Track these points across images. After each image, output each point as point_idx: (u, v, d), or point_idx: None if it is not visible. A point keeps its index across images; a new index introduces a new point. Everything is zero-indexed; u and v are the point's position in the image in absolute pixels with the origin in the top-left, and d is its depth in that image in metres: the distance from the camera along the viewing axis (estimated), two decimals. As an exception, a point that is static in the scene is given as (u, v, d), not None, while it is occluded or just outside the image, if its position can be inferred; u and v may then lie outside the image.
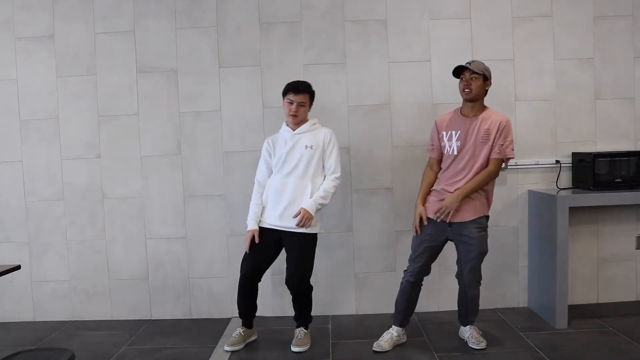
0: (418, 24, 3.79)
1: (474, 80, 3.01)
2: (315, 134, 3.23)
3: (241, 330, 3.33)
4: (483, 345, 3.16)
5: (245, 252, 3.25)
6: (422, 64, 3.78)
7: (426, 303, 3.80)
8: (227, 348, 3.25)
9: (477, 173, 3.04)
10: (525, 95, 3.81)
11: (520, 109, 3.81)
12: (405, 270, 3.23)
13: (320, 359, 3.14)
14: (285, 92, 3.23)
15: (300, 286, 3.23)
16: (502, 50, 3.79)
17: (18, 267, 2.69)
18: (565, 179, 3.80)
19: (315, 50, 3.80)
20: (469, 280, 3.12)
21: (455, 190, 3.04)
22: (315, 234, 3.25)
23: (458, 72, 3.07)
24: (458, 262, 3.18)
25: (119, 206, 3.89)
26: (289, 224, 3.16)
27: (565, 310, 3.44)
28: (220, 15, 3.81)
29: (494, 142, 3.02)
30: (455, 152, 3.07)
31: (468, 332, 3.25)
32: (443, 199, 3.06)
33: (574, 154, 3.75)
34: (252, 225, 3.23)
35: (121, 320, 3.89)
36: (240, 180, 3.80)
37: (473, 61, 3.06)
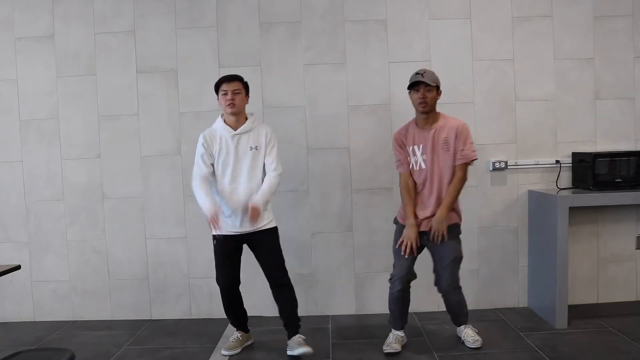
0: (418, 24, 3.79)
1: (428, 92, 3.01)
2: (257, 133, 3.13)
3: (238, 334, 3.32)
4: (478, 344, 3.16)
5: (216, 265, 3.20)
6: (422, 64, 3.74)
7: (426, 303, 3.80)
8: (224, 352, 3.24)
9: (446, 179, 3.06)
10: (525, 95, 3.81)
11: (520, 109, 3.81)
12: (391, 279, 3.19)
13: (320, 359, 3.14)
14: (217, 86, 3.15)
15: (283, 278, 3.19)
16: (502, 50, 3.79)
17: (18, 267, 2.69)
18: (565, 179, 3.80)
19: (315, 50, 3.80)
20: (448, 286, 3.12)
21: (430, 198, 3.08)
22: (276, 228, 3.21)
23: (412, 83, 3.06)
24: (434, 270, 3.18)
25: (119, 206, 3.89)
26: (248, 228, 3.11)
27: (565, 310, 3.44)
28: (220, 15, 3.81)
29: (455, 148, 3.04)
30: (424, 166, 3.08)
31: (463, 332, 3.26)
32: (425, 207, 3.09)
33: (574, 154, 3.75)
34: (211, 205, 3.03)
35: (121, 320, 3.89)
36: (240, 180, 3.80)
37: (425, 71, 3.06)
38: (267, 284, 3.74)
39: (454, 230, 3.12)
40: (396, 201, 3.80)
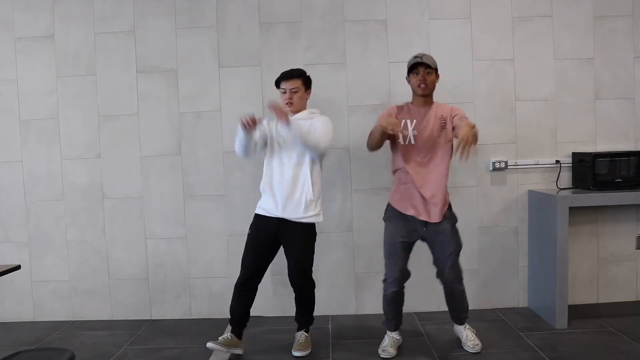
0: (418, 24, 3.79)
1: (428, 74, 3.03)
2: (312, 122, 3.13)
3: (229, 335, 3.17)
4: (478, 349, 3.13)
5: (244, 254, 3.17)
6: (422, 64, 3.78)
7: (426, 303, 3.81)
8: (209, 345, 3.07)
9: (440, 162, 3.01)
10: (525, 95, 3.81)
11: (520, 109, 3.81)
12: (384, 280, 3.13)
13: (320, 359, 3.14)
14: (277, 83, 3.16)
15: (303, 280, 3.15)
16: (502, 50, 3.79)
17: (18, 267, 2.69)
18: (565, 179, 3.80)
19: (315, 50, 3.81)
20: (452, 277, 3.09)
21: (423, 180, 3.00)
22: (314, 226, 3.17)
23: (411, 67, 3.06)
24: (435, 262, 3.13)
25: (119, 206, 3.89)
26: (289, 215, 3.08)
27: (565, 310, 3.44)
28: (220, 15, 3.81)
29: (451, 119, 3.00)
30: (413, 142, 3.03)
31: (464, 334, 3.22)
32: (413, 196, 3.02)
33: (574, 154, 3.76)
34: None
35: (121, 320, 3.89)
36: (240, 180, 3.81)
37: (424, 55, 3.06)
38: (268, 284, 3.74)
39: (451, 218, 3.09)
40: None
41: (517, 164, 3.81)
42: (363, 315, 3.84)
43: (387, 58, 3.80)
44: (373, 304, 3.84)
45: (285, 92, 3.12)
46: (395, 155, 3.14)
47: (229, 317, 3.25)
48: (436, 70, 3.07)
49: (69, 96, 3.87)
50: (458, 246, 3.10)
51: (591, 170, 3.53)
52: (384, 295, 3.17)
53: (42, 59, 3.86)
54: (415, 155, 3.04)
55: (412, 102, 3.15)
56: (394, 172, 3.17)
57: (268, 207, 3.14)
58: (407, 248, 3.11)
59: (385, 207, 3.21)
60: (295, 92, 3.11)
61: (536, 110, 3.81)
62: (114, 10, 3.83)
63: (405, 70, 3.13)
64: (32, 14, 3.84)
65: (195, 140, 3.85)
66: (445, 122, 3.03)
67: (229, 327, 3.27)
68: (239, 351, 3.19)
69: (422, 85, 3.03)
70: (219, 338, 3.17)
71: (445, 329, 3.48)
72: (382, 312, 3.59)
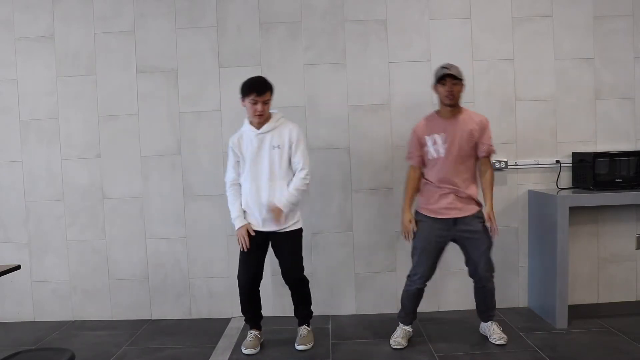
0: (418, 24, 3.79)
1: (455, 85, 3.09)
2: (280, 132, 3.15)
3: (256, 332, 3.33)
4: (504, 341, 3.20)
5: (240, 261, 3.22)
6: (422, 64, 3.77)
7: (426, 303, 3.78)
8: (245, 351, 3.23)
9: (468, 171, 3.16)
10: (525, 95, 3.81)
11: (520, 109, 3.81)
12: (410, 276, 3.24)
13: (320, 359, 3.14)
14: (247, 93, 3.10)
15: (299, 278, 3.24)
16: (502, 50, 3.79)
17: (18, 267, 2.69)
18: (566, 179, 3.80)
19: (315, 50, 3.80)
20: (486, 274, 3.19)
21: (452, 187, 3.12)
22: (301, 229, 3.24)
23: (440, 76, 3.11)
24: (468, 261, 3.21)
25: (119, 206, 3.89)
26: (272, 228, 3.15)
27: (565, 310, 3.44)
28: (220, 15, 3.81)
29: (479, 140, 3.14)
30: (443, 155, 3.12)
31: (490, 328, 3.28)
32: (445, 193, 3.12)
33: (574, 154, 3.76)
34: (241, 222, 3.16)
35: (121, 320, 3.89)
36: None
37: (451, 65, 3.12)
38: (267, 284, 3.75)
39: (482, 215, 3.20)
40: (396, 201, 3.80)
41: (517, 164, 3.81)
42: (363, 315, 3.84)
43: (387, 58, 3.80)
44: (373, 304, 3.85)
45: (256, 103, 3.09)
46: (426, 168, 3.22)
47: (244, 317, 3.38)
48: (461, 80, 3.12)
49: (69, 96, 3.87)
50: (490, 243, 3.20)
51: (591, 170, 3.53)
52: (407, 291, 3.26)
53: (42, 59, 3.86)
54: (445, 165, 3.12)
55: (439, 112, 3.20)
56: (424, 182, 3.25)
57: (252, 222, 3.19)
58: (441, 248, 3.20)
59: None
60: (267, 103, 3.12)
61: (536, 110, 3.81)
62: (114, 10, 3.82)
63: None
64: (32, 14, 3.84)
65: (195, 140, 3.85)
66: (473, 137, 3.13)
67: (239, 321, 3.42)
68: (263, 339, 3.37)
69: (449, 97, 3.10)
70: (248, 339, 3.29)
71: (445, 329, 3.49)
72: (382, 311, 3.62)
